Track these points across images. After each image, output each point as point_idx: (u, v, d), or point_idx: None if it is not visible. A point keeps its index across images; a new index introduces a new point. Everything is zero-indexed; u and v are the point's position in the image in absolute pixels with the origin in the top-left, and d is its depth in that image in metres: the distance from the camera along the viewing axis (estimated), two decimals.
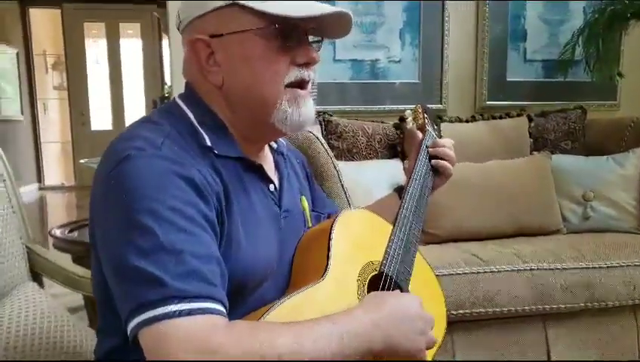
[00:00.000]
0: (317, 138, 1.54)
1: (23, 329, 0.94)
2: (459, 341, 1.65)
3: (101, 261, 0.65)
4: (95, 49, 7.15)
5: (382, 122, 2.28)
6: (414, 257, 0.89)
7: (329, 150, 1.56)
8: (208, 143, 0.73)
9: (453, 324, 1.63)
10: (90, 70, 7.03)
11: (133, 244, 0.59)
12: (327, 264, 0.77)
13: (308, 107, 0.76)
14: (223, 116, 0.77)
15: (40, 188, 6.91)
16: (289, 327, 0.60)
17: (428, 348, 0.73)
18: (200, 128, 0.74)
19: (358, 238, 0.85)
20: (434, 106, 2.55)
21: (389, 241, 0.87)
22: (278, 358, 0.56)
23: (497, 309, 1.61)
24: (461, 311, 1.59)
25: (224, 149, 0.74)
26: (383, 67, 2.64)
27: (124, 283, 0.60)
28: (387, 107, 2.63)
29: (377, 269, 0.83)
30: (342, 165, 2.02)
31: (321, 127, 2.18)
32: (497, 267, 1.63)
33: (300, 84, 0.75)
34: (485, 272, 1.62)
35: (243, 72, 0.73)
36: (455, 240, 1.91)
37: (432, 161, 1.07)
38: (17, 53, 6.36)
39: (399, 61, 2.65)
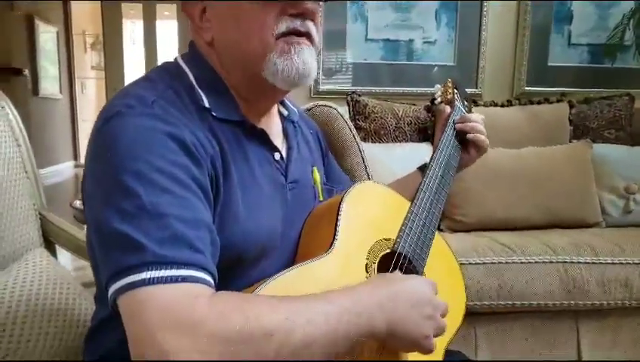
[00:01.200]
0: (339, 114, 1.47)
1: (27, 294, 0.92)
2: (482, 333, 1.57)
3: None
4: (132, 30, 7.23)
5: (413, 104, 2.19)
6: (432, 238, 0.82)
7: (352, 127, 1.49)
8: (206, 105, 0.68)
9: (477, 316, 1.55)
10: (127, 50, 7.11)
11: (114, 206, 0.55)
12: (334, 239, 0.71)
13: (302, 59, 0.68)
14: (223, 77, 0.72)
15: (75, 166, 7.08)
16: (282, 302, 0.55)
17: (436, 335, 0.66)
18: (199, 89, 0.69)
19: (370, 213, 0.79)
20: (468, 90, 2.44)
21: (406, 219, 0.80)
22: (267, 335, 0.50)
23: (525, 302, 1.51)
24: (486, 303, 1.51)
25: (223, 112, 0.69)
26: (417, 48, 2.55)
27: (103, 246, 0.55)
28: (419, 89, 2.54)
29: (390, 248, 0.77)
30: (368, 147, 1.95)
31: (349, 107, 2.10)
32: (527, 257, 1.54)
33: (293, 35, 0.69)
34: (514, 262, 1.53)
35: (230, 26, 0.68)
36: (484, 230, 1.81)
37: (468, 135, 0.99)
38: (57, 33, 6.49)
39: (434, 42, 2.55)
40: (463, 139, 1.01)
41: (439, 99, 1.12)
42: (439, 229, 1.84)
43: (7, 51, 4.89)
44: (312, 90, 2.49)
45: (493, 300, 1.51)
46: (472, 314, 1.54)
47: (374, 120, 2.08)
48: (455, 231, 1.85)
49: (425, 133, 2.14)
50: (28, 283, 0.95)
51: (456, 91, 1.14)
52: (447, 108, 1.06)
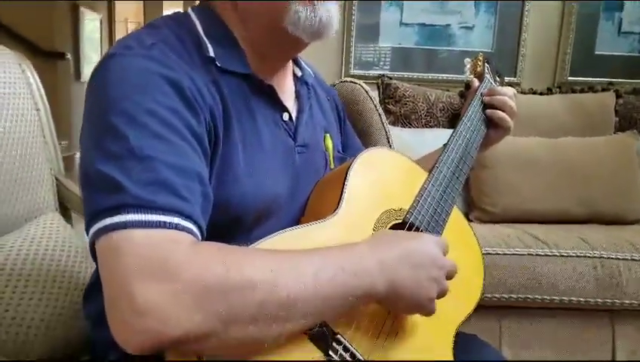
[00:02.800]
0: (365, 91, 1.41)
1: (34, 253, 0.91)
2: (508, 328, 1.49)
3: None
4: None
5: (447, 90, 2.11)
6: (450, 212, 0.76)
7: (378, 105, 1.43)
8: (211, 54, 0.64)
9: (503, 309, 1.47)
10: None
11: (101, 147, 0.52)
12: (339, 203, 0.66)
13: (326, 7, 0.65)
14: (236, 31, 0.68)
15: None
16: (269, 254, 0.51)
17: (439, 297, 0.61)
18: (205, 38, 0.65)
19: (382, 180, 0.73)
20: (507, 79, 2.33)
21: (421, 189, 0.74)
22: (249, 287, 0.46)
23: (555, 298, 1.42)
24: (513, 296, 1.43)
25: (229, 63, 0.65)
26: (454, 33, 2.45)
27: (86, 187, 0.52)
28: (454, 76, 2.45)
29: (401, 218, 0.71)
30: (397, 131, 1.89)
31: (379, 90, 2.04)
32: (560, 251, 1.44)
33: None
34: (545, 255, 1.44)
35: None
36: (514, 221, 1.72)
37: (487, 111, 0.93)
38: (101, 20, 6.64)
39: (472, 28, 2.45)
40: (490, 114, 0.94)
41: (468, 72, 1.06)
42: (467, 219, 1.78)
43: (52, 36, 5.02)
44: (342, 73, 2.43)
45: (521, 293, 1.42)
46: (497, 308, 1.46)
47: (405, 104, 2.01)
48: (484, 221, 1.76)
49: (458, 119, 2.06)
50: (35, 243, 0.94)
51: (487, 66, 1.08)
52: (476, 82, 0.99)
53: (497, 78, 1.09)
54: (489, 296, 1.42)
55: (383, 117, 1.43)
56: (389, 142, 1.43)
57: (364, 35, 2.42)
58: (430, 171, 0.78)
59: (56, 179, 1.17)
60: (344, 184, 0.68)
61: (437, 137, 1.90)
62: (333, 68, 2.42)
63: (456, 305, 0.72)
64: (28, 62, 1.15)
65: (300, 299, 0.48)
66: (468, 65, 1.09)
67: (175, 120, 0.54)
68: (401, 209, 0.72)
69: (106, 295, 0.47)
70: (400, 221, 0.71)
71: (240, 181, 0.62)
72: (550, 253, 1.44)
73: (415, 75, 2.43)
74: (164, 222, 0.48)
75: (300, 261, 0.51)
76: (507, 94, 0.93)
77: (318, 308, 0.50)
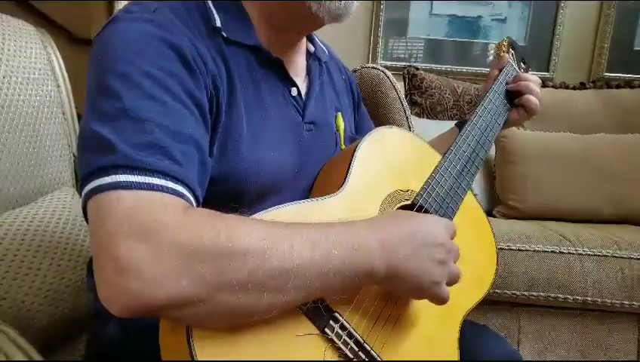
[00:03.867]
0: (387, 77, 1.37)
1: (45, 225, 0.92)
2: (527, 327, 1.43)
3: None
4: None
5: (475, 82, 2.05)
6: (463, 197, 0.73)
7: (400, 91, 1.39)
8: (218, 24, 0.62)
9: (522, 307, 1.42)
10: None
11: (96, 108, 0.51)
12: (345, 181, 0.64)
13: None
14: (247, 4, 0.66)
15: None
16: (263, 223, 0.48)
17: (450, 283, 0.58)
18: (212, 8, 0.64)
19: (392, 160, 0.71)
20: (539, 74, 2.25)
21: (434, 171, 0.71)
22: (238, 254, 0.44)
23: (579, 298, 1.36)
24: (534, 294, 1.37)
25: (236, 34, 0.63)
26: (485, 25, 2.38)
27: (80, 149, 0.51)
28: (485, 70, 2.38)
29: (411, 200, 0.68)
30: (422, 122, 1.85)
31: (404, 81, 2.00)
32: (585, 249, 1.38)
33: None
34: (569, 253, 1.38)
35: None
36: (541, 219, 1.66)
37: (516, 100, 0.90)
38: None
39: (504, 20, 2.38)
40: (512, 99, 0.91)
41: (492, 57, 1.02)
42: (490, 215, 1.73)
43: (87, 23, 5.13)
44: (369, 63, 2.39)
45: (542, 292, 1.37)
46: (517, 305, 1.41)
47: (431, 95, 1.96)
48: (509, 218, 1.71)
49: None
50: (48, 216, 0.95)
51: (512, 51, 1.04)
52: (499, 64, 0.96)
53: (522, 65, 1.05)
54: (508, 292, 1.37)
55: (406, 106, 1.40)
56: (410, 129, 1.39)
57: (391, 26, 2.37)
58: (445, 154, 0.75)
59: (74, 155, 1.18)
60: (351, 161, 0.65)
61: None
62: (361, 59, 2.38)
63: (465, 292, 0.69)
64: (50, 39, 1.17)
65: (293, 271, 0.46)
66: (492, 50, 1.05)
67: (174, 83, 0.53)
68: (409, 190, 0.69)
69: (93, 256, 0.46)
70: (409, 203, 0.68)
71: (243, 153, 0.61)
72: (575, 252, 1.38)
73: (444, 67, 2.37)
74: (155, 185, 0.46)
75: (298, 232, 0.49)
76: (532, 80, 0.90)
77: (313, 282, 0.48)
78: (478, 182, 1.80)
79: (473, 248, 0.73)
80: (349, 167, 0.65)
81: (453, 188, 0.72)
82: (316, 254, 0.48)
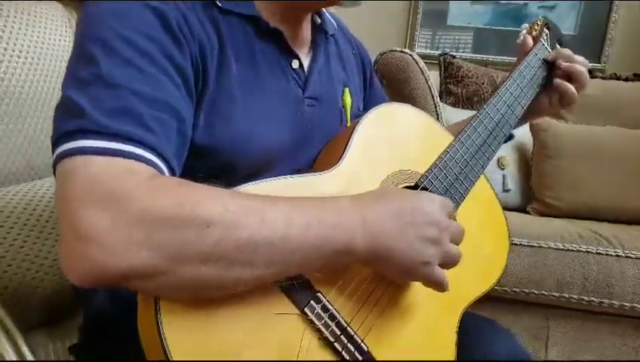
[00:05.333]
0: (415, 62, 1.32)
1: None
2: (557, 331, 1.35)
3: None
4: None
5: None
6: (473, 182, 0.68)
7: (429, 78, 1.33)
8: None
9: (552, 309, 1.34)
10: None
11: (73, 73, 0.49)
12: (341, 157, 0.60)
13: None
14: None
15: None
16: (237, 194, 0.46)
17: (446, 265, 0.53)
18: None
19: (398, 138, 0.66)
20: (590, 65, 2.13)
21: (443, 153, 0.66)
22: (202, 225, 0.42)
23: (615, 303, 1.27)
24: (565, 295, 1.29)
25: (232, 4, 0.61)
26: (531, 13, 2.27)
27: (54, 115, 0.50)
28: None
29: (414, 181, 0.64)
30: (456, 112, 1.77)
31: (440, 69, 1.93)
32: (624, 251, 1.29)
33: None
34: (607, 254, 1.29)
35: None
36: (579, 218, 1.56)
37: (557, 80, 0.82)
38: None
39: (553, 8, 2.26)
40: (544, 83, 0.84)
41: (521, 37, 0.95)
42: (524, 211, 1.64)
43: None
44: None
45: (574, 293, 1.29)
46: (546, 306, 1.34)
47: (468, 85, 1.88)
48: (544, 215, 1.62)
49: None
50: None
51: (546, 32, 0.96)
52: (528, 44, 0.89)
53: (558, 47, 0.98)
54: (536, 292, 1.30)
55: (435, 92, 1.33)
56: (438, 117, 1.33)
57: (430, 12, 2.29)
58: (457, 135, 0.70)
59: None
60: (351, 135, 0.62)
61: None
62: (396, 44, 2.32)
63: (470, 280, 0.64)
64: (76, 17, 1.18)
65: (263, 245, 0.44)
66: (524, 30, 0.98)
67: (155, 50, 0.51)
68: (414, 171, 0.65)
69: (59, 223, 0.44)
70: (411, 184, 0.64)
71: (233, 124, 0.58)
72: (613, 253, 1.29)
73: (485, 57, 2.28)
74: (123, 151, 0.45)
75: (272, 205, 0.46)
76: (578, 60, 0.82)
77: (287, 257, 0.45)
78: (513, 177, 1.71)
79: (482, 237, 0.68)
80: (347, 141, 0.61)
81: (463, 171, 0.67)
82: (291, 229, 0.45)
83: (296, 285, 0.50)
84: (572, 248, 1.30)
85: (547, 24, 0.97)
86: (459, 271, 0.60)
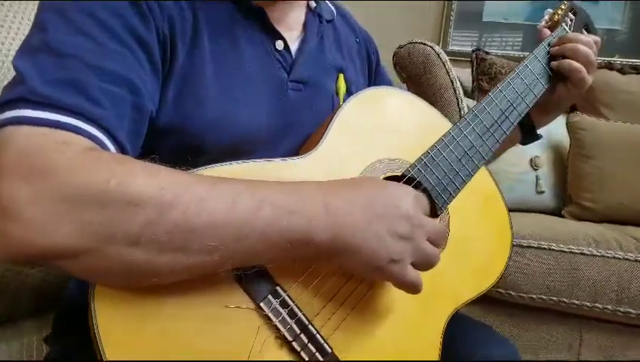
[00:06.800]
0: (438, 55, 1.25)
1: None
2: (590, 343, 1.24)
3: None
4: None
5: None
6: (471, 176, 0.62)
7: (451, 70, 1.25)
8: None
9: (585, 319, 1.23)
10: None
11: (25, 42, 0.48)
12: (320, 141, 0.56)
13: None
14: None
15: None
16: (178, 173, 0.42)
17: (420, 265, 0.48)
18: None
19: (384, 124, 0.61)
20: (638, 62, 1.98)
21: (438, 142, 0.61)
22: (130, 204, 0.38)
23: None
24: (598, 306, 1.19)
25: None
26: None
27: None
28: None
29: (402, 171, 0.59)
30: None
31: (472, 66, 1.85)
32: None
33: None
34: None
35: None
36: (617, 222, 1.45)
37: (554, 62, 0.76)
38: None
39: (597, 1, 2.12)
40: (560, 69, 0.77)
41: (542, 22, 0.88)
42: (559, 215, 1.54)
43: None
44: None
45: (608, 304, 1.18)
46: (578, 316, 1.23)
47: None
48: (580, 219, 1.51)
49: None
50: None
51: (572, 17, 0.88)
52: (546, 31, 0.82)
53: (585, 34, 0.89)
54: (566, 301, 1.20)
55: (458, 86, 1.26)
56: (460, 112, 1.25)
57: (465, 7, 2.21)
58: (457, 122, 0.64)
59: None
60: (331, 120, 0.58)
61: None
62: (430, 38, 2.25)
63: (462, 281, 0.58)
64: None
65: (201, 229, 0.40)
66: (546, 16, 0.90)
67: (114, 21, 0.48)
68: (401, 160, 0.59)
69: None
70: (397, 174, 0.58)
71: (204, 105, 0.55)
72: None
73: (522, 54, 2.17)
74: (60, 122, 0.42)
75: (216, 187, 0.42)
76: (581, 40, 0.75)
77: (229, 244, 0.41)
78: (547, 178, 1.61)
79: (480, 235, 0.62)
80: (327, 126, 0.57)
81: (460, 161, 0.61)
82: (236, 213, 0.41)
83: (254, 276, 0.46)
84: (607, 254, 1.20)
85: (573, 9, 0.90)
86: (450, 270, 0.54)
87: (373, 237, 0.45)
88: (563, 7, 0.90)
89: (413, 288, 0.48)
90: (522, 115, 0.71)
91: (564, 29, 0.82)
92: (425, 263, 0.48)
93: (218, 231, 0.40)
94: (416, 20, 2.28)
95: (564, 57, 0.75)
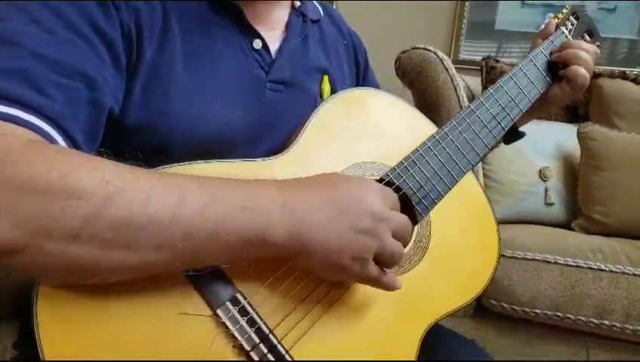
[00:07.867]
0: (440, 60, 1.22)
1: None
2: (597, 357, 1.19)
3: None
4: None
5: None
6: (456, 181, 0.59)
7: (455, 76, 1.22)
8: None
9: (592, 336, 1.18)
10: None
11: None
12: (295, 141, 0.54)
13: None
14: None
15: None
16: (123, 167, 0.40)
17: (385, 262, 0.46)
18: None
19: (363, 126, 0.59)
20: None
21: (422, 145, 0.58)
22: (69, 197, 0.36)
23: None
24: (605, 323, 1.14)
25: None
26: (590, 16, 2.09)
27: None
28: None
29: (380, 174, 0.56)
30: None
31: (482, 74, 1.81)
32: None
33: None
34: None
35: None
36: (630, 237, 1.39)
37: (561, 72, 0.73)
38: None
39: (613, 10, 2.07)
40: (556, 72, 0.74)
41: (542, 26, 0.85)
42: (568, 228, 1.48)
43: None
44: (450, 57, 2.21)
45: (616, 321, 1.13)
46: (585, 334, 1.18)
47: None
48: (590, 233, 1.45)
49: (574, 113, 1.75)
50: None
51: (573, 22, 0.86)
52: (549, 32, 0.80)
53: (587, 39, 0.86)
54: (572, 317, 1.15)
55: (461, 92, 1.22)
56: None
57: (477, 15, 2.17)
58: (443, 126, 0.62)
59: None
60: (309, 119, 0.55)
61: (548, 132, 1.64)
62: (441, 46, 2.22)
63: (444, 291, 0.55)
64: None
65: (146, 225, 0.38)
66: (547, 20, 0.87)
67: (74, 14, 0.47)
68: (380, 164, 0.57)
69: None
70: (375, 178, 0.56)
71: (172, 102, 0.53)
72: None
73: None
74: (3, 113, 0.41)
75: (165, 181, 0.40)
76: (583, 47, 0.72)
77: (177, 243, 0.39)
78: (557, 190, 1.56)
79: (464, 245, 0.59)
80: (301, 128, 0.55)
81: (445, 167, 0.58)
82: (184, 209, 0.39)
83: (211, 281, 0.44)
84: (616, 269, 1.15)
85: (575, 13, 0.87)
86: (430, 279, 0.51)
87: (333, 235, 0.43)
88: (564, 11, 0.87)
89: (380, 284, 0.46)
90: (515, 119, 0.68)
91: (564, 32, 0.79)
92: (388, 259, 0.46)
93: (165, 228, 0.38)
94: (427, 29, 2.25)
95: (566, 63, 0.72)
